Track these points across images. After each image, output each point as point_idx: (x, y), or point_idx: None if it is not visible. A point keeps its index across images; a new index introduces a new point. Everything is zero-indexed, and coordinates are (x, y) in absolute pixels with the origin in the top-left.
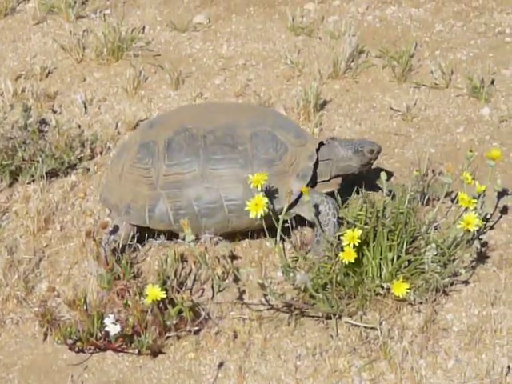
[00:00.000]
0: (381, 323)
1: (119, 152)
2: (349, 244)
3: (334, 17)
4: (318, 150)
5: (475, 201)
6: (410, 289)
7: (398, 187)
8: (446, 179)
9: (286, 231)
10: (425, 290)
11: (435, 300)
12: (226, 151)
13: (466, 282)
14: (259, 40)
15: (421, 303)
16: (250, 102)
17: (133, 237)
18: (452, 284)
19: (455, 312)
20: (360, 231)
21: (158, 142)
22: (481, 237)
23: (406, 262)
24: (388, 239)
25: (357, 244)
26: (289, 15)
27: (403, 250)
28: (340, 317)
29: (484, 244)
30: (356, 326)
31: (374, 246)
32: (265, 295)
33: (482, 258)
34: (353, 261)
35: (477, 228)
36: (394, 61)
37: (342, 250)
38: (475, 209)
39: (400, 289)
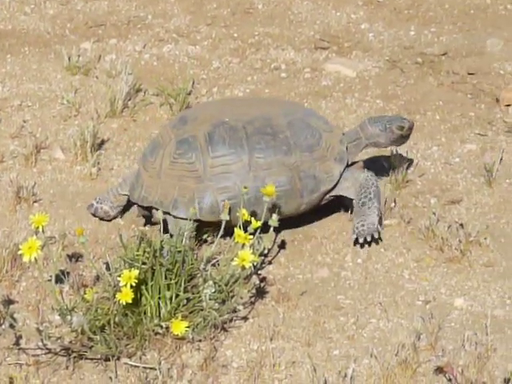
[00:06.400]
0: (160, 363)
1: (152, 150)
2: (126, 284)
3: (110, 55)
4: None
5: (251, 237)
6: (188, 327)
7: (176, 223)
8: (223, 216)
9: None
10: (203, 327)
11: (214, 337)
12: (268, 140)
13: (245, 318)
14: (35, 80)
15: (200, 341)
16: (26, 143)
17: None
18: (231, 320)
19: (234, 348)
20: (137, 271)
21: (198, 137)
22: (259, 272)
23: (185, 301)
24: (166, 278)
25: (134, 284)
26: (65, 55)
27: (181, 289)
28: (119, 358)
29: (262, 279)
30: (135, 366)
31: (152, 286)
32: (42, 339)
33: (260, 293)
34: (130, 301)
35: (252, 264)
36: (172, 98)
37: (120, 291)
38: (252, 245)
39: (179, 327)
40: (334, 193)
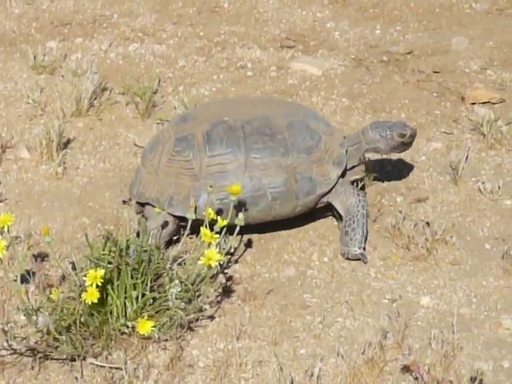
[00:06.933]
0: (126, 363)
1: (151, 147)
2: (91, 284)
3: (76, 54)
4: (344, 137)
5: (217, 236)
6: (155, 326)
7: (143, 223)
8: (189, 215)
9: (29, 273)
10: (170, 326)
11: (180, 337)
12: (266, 140)
13: (211, 317)
14: (0, 79)
15: (166, 340)
16: None
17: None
18: (197, 320)
19: (201, 347)
20: (103, 271)
21: (197, 135)
22: (226, 271)
23: (151, 300)
24: (132, 277)
25: (100, 284)
26: (30, 54)
27: (148, 288)
28: (85, 358)
29: (229, 278)
30: (101, 366)
31: (118, 285)
32: (7, 340)
33: (227, 292)
34: (96, 301)
35: (218, 263)
36: (138, 97)
37: (86, 290)
38: (219, 243)
39: (145, 327)
40: (330, 199)
